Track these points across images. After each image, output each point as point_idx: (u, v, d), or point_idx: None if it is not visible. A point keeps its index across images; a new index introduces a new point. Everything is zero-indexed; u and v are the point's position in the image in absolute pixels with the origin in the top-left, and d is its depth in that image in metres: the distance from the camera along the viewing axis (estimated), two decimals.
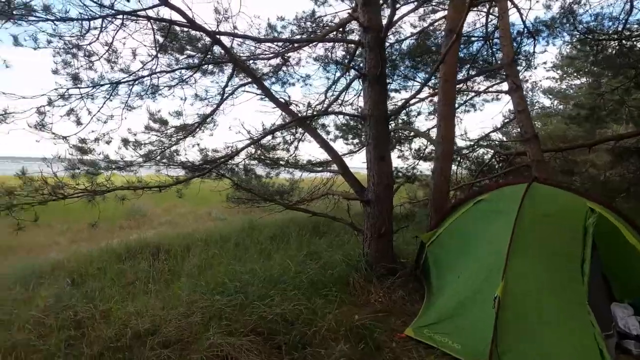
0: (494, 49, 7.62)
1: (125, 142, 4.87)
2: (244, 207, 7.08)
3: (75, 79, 4.27)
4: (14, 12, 3.76)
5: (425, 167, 9.01)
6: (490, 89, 7.79)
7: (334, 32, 5.15)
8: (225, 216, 9.48)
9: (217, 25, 4.13)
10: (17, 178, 3.44)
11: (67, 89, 3.83)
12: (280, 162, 6.69)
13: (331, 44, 6.51)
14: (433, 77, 5.92)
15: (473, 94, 8.18)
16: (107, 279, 4.10)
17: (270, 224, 7.26)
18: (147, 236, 6.34)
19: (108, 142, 4.66)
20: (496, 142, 8.93)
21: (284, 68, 6.17)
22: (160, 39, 4.35)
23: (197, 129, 4.97)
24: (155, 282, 3.95)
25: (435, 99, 8.10)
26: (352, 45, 5.23)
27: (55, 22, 3.56)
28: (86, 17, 3.63)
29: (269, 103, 6.01)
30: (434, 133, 7.80)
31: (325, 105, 5.89)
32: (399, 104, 7.43)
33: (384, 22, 3.76)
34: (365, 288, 3.27)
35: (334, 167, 7.31)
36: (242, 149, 4.62)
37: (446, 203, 4.03)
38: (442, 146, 3.91)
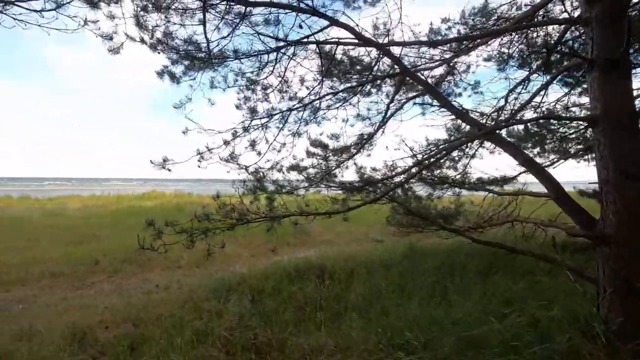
0: None
1: (291, 167, 5.09)
2: (406, 230, 6.59)
3: (253, 111, 4.70)
4: (213, 60, 4.40)
5: None
6: None
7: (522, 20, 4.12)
8: (383, 237, 9.15)
9: (388, 34, 3.82)
10: (212, 199, 4.03)
11: (251, 121, 4.15)
12: (447, 181, 5.89)
13: (510, 37, 5.40)
14: None
15: None
16: (280, 299, 4.23)
17: (434, 250, 6.48)
18: (311, 255, 6.55)
19: (279, 170, 4.95)
20: None
21: (449, 77, 5.43)
22: (321, 64, 4.39)
23: (359, 151, 4.78)
24: (323, 310, 3.82)
25: None
26: (555, 29, 4.07)
27: (241, 59, 3.97)
28: (264, 51, 3.92)
29: (435, 116, 5.41)
30: None
31: (508, 112, 4.83)
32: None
33: None
34: None
35: (515, 184, 6.04)
36: (415, 173, 4.12)
37: None
38: None
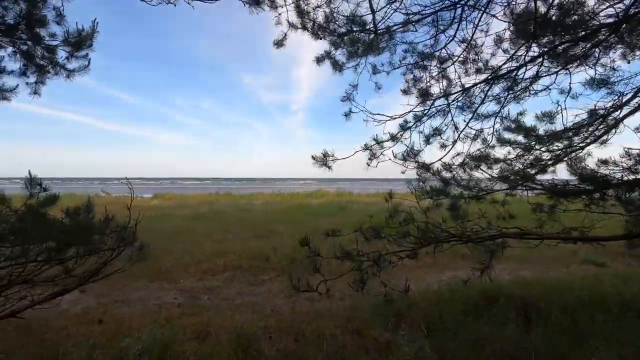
0: None
1: (476, 158, 3.88)
2: None
3: (425, 95, 3.75)
4: (378, 34, 3.68)
5: None
6: None
7: None
8: (603, 258, 6.55)
9: None
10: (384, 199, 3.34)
11: (434, 101, 3.24)
12: None
13: None
14: None
15: None
16: (467, 341, 3.13)
17: None
18: (500, 277, 5.06)
19: (461, 166, 3.83)
20: None
21: None
22: (535, 9, 3.01)
23: (599, 138, 3.14)
24: None
25: None
26: None
27: (414, 24, 3.09)
28: (446, 4, 2.93)
29: None
30: None
31: None
32: None
33: None
34: None
35: None
36: None
37: None
38: None
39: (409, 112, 3.34)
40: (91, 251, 2.54)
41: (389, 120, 3.26)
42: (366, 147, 3.28)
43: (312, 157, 3.12)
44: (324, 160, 3.08)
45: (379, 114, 3.18)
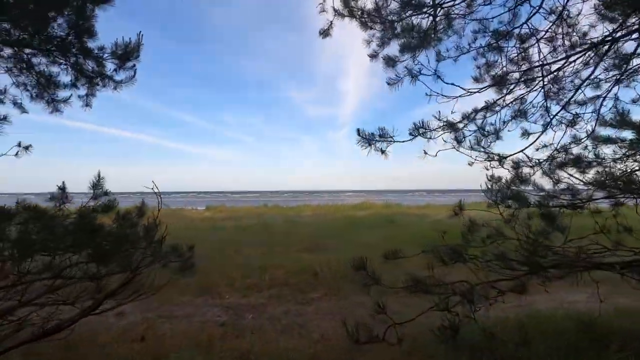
0: None
1: (562, 164, 3.17)
2: None
3: (500, 82, 3.14)
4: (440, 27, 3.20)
5: None
6: None
7: None
8: None
9: None
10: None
11: (516, 84, 2.65)
12: None
13: None
14: None
15: None
16: None
17: None
18: (594, 306, 4.13)
19: (563, 167, 3.15)
20: None
21: None
22: None
23: None
24: None
25: None
26: None
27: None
28: None
29: None
30: None
31: None
32: None
33: None
34: None
35: None
36: None
37: None
38: None
39: (484, 87, 2.76)
40: (124, 268, 2.28)
41: (463, 95, 2.69)
42: (416, 128, 2.71)
43: (358, 131, 2.64)
44: (371, 138, 2.61)
45: (454, 84, 2.63)
